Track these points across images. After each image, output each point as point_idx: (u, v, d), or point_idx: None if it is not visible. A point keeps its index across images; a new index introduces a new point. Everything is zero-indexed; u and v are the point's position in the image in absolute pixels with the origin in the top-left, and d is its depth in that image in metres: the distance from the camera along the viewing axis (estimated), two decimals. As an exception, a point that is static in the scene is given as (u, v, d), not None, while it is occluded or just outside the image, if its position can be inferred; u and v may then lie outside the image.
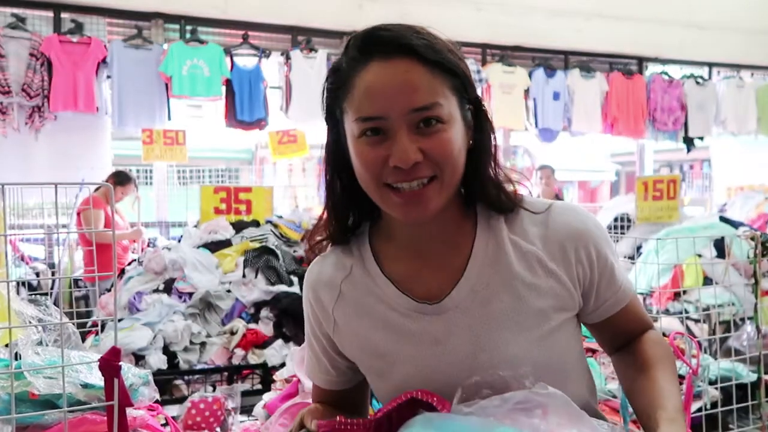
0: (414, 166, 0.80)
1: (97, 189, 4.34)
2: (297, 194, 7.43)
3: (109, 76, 4.70)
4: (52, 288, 3.12)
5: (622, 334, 0.98)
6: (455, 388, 0.81)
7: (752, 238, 2.07)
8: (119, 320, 2.60)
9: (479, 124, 0.89)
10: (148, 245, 4.51)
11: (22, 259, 3.83)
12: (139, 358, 2.43)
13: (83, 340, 2.16)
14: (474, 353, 0.86)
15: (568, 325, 0.91)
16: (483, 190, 0.90)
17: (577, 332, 0.96)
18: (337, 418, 0.84)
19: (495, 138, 0.90)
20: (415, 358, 0.89)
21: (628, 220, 4.34)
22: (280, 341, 2.61)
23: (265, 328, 2.70)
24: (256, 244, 3.13)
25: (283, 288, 2.83)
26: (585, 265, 0.89)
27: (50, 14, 4.65)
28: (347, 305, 0.94)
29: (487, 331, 0.86)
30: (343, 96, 0.84)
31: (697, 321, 2.60)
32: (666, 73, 6.35)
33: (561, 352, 0.89)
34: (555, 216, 0.90)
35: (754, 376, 2.03)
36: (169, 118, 4.91)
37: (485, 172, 0.90)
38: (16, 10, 4.52)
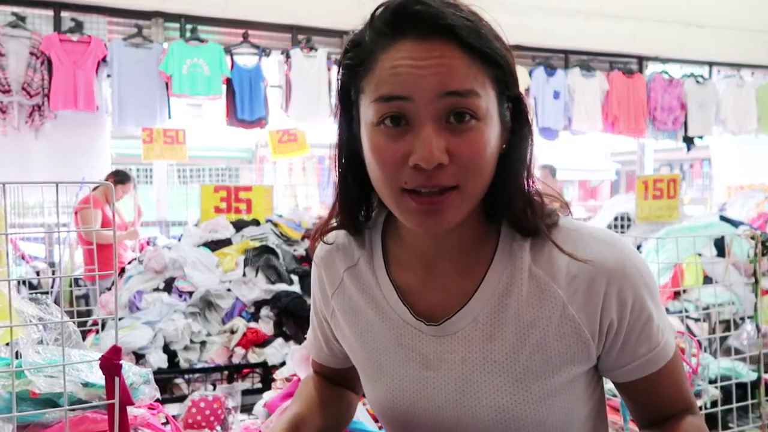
0: (437, 169, 0.67)
1: (96, 188, 4.34)
2: (297, 193, 7.44)
3: (109, 75, 4.70)
4: (52, 287, 3.12)
5: (653, 405, 0.81)
6: (440, 414, 0.79)
7: (752, 237, 2.07)
8: (120, 319, 2.61)
9: (517, 126, 0.75)
10: (148, 244, 4.51)
11: (23, 257, 3.83)
12: (139, 357, 2.43)
13: (84, 338, 2.16)
14: (462, 388, 0.78)
15: (578, 381, 0.79)
16: (510, 206, 0.76)
17: (591, 390, 0.82)
18: None
19: (533, 144, 0.76)
20: (402, 375, 0.82)
21: (628, 220, 4.34)
22: (280, 340, 2.61)
23: (266, 326, 2.70)
24: (257, 243, 3.13)
25: (283, 287, 2.83)
26: (613, 313, 0.75)
27: (50, 13, 4.64)
28: (344, 297, 0.88)
29: (480, 370, 0.77)
30: (362, 74, 0.71)
31: (697, 320, 2.60)
32: (666, 72, 6.35)
33: (563, 411, 0.77)
34: (586, 248, 0.75)
35: (754, 375, 2.03)
36: (170, 117, 4.91)
37: (515, 183, 0.75)
38: (16, 9, 4.52)
